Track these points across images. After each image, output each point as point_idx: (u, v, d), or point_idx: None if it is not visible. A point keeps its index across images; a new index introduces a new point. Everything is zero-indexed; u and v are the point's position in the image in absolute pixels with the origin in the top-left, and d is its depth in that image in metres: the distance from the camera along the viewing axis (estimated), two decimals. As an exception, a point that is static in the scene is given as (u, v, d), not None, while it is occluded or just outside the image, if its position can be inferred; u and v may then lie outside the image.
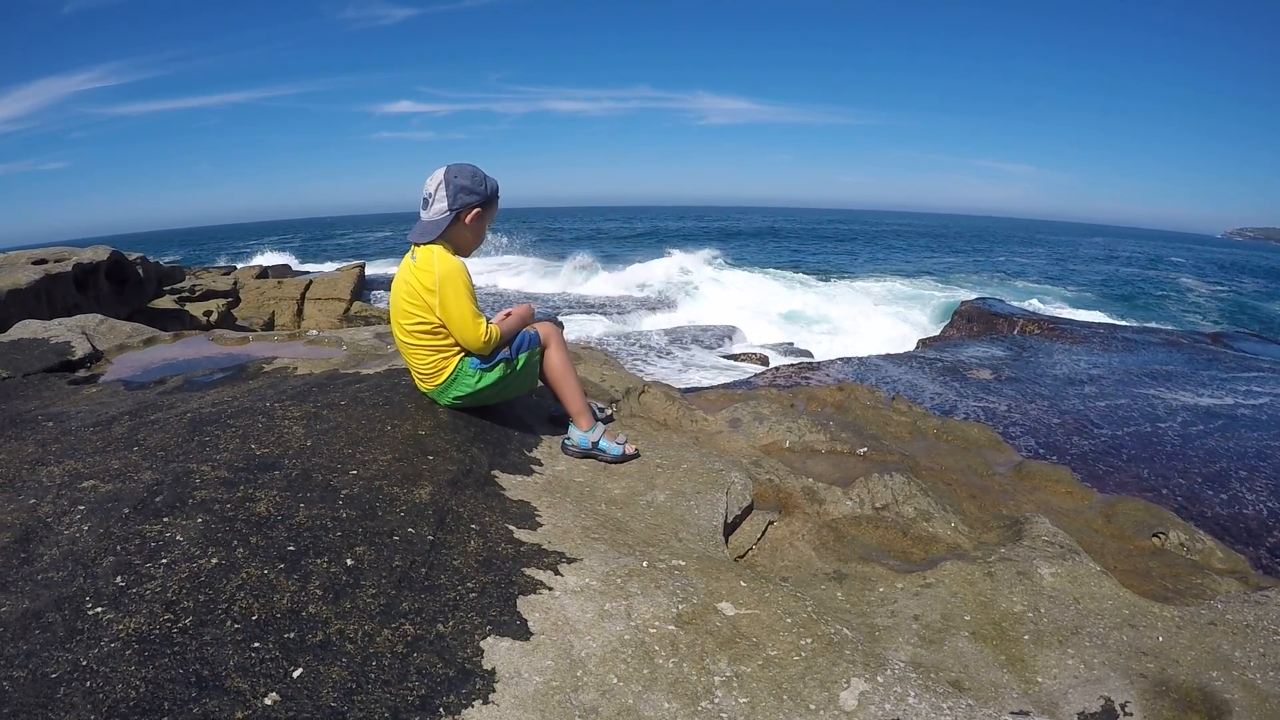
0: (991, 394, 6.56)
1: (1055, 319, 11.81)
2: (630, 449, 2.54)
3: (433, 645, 1.41)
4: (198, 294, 15.21)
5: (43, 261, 9.06)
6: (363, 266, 21.97)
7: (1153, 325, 14.74)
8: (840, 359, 8.56)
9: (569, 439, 2.50)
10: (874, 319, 18.30)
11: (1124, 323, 15.08)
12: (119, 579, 1.45)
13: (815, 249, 46.55)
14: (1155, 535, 2.88)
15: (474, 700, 1.29)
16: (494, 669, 1.37)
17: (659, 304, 21.12)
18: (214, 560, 1.53)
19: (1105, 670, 1.69)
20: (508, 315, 2.48)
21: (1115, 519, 3.04)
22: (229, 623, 1.37)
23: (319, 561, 1.58)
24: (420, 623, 1.46)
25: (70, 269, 9.06)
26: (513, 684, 1.34)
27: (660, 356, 13.78)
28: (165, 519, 1.67)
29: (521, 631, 1.48)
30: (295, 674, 1.28)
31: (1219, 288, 32.79)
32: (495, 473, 2.21)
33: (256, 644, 1.33)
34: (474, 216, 2.31)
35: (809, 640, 1.57)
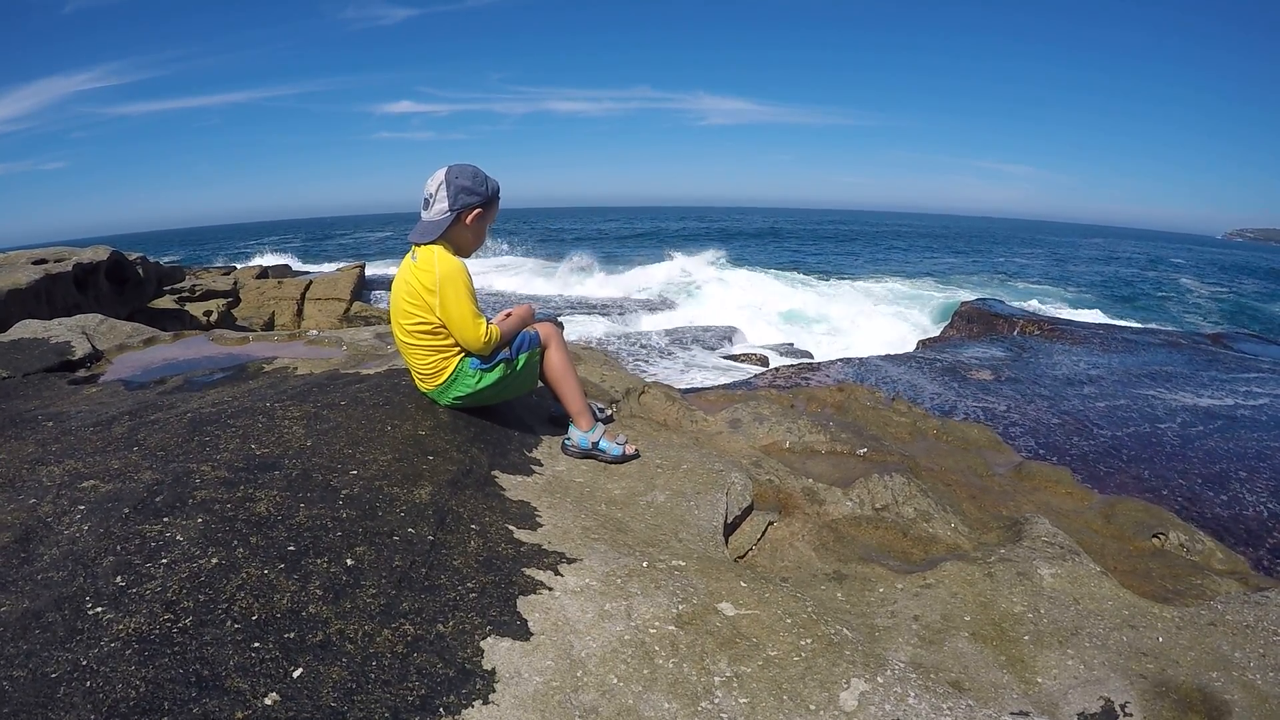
0: (991, 394, 6.56)
1: (1055, 320, 11.82)
2: (630, 449, 2.54)
3: (433, 645, 1.41)
4: (198, 294, 15.21)
5: (43, 261, 9.06)
6: (363, 267, 21.98)
7: (1153, 326, 14.74)
8: (840, 359, 8.56)
9: (569, 439, 2.51)
10: (874, 319, 18.30)
11: (1124, 323, 15.08)
12: (119, 579, 1.45)
13: (815, 249, 46.57)
14: (1155, 536, 2.88)
15: (474, 700, 1.29)
16: (494, 669, 1.37)
17: (659, 304, 21.12)
18: (214, 560, 1.53)
19: (1105, 671, 1.69)
20: (508, 316, 2.48)
21: (1115, 520, 3.04)
22: (229, 623, 1.37)
23: (319, 561, 1.58)
24: (420, 623, 1.46)
25: (70, 269, 9.06)
26: (513, 684, 1.34)
27: (660, 357, 13.78)
28: (165, 519, 1.67)
29: (521, 632, 1.48)
30: (295, 674, 1.28)
31: (1219, 288, 32.80)
32: (495, 473, 2.21)
33: (256, 644, 1.33)
34: (475, 217, 2.31)
35: (809, 641, 1.57)
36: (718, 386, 6.51)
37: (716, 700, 1.37)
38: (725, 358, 13.53)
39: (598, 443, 2.48)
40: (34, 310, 7.35)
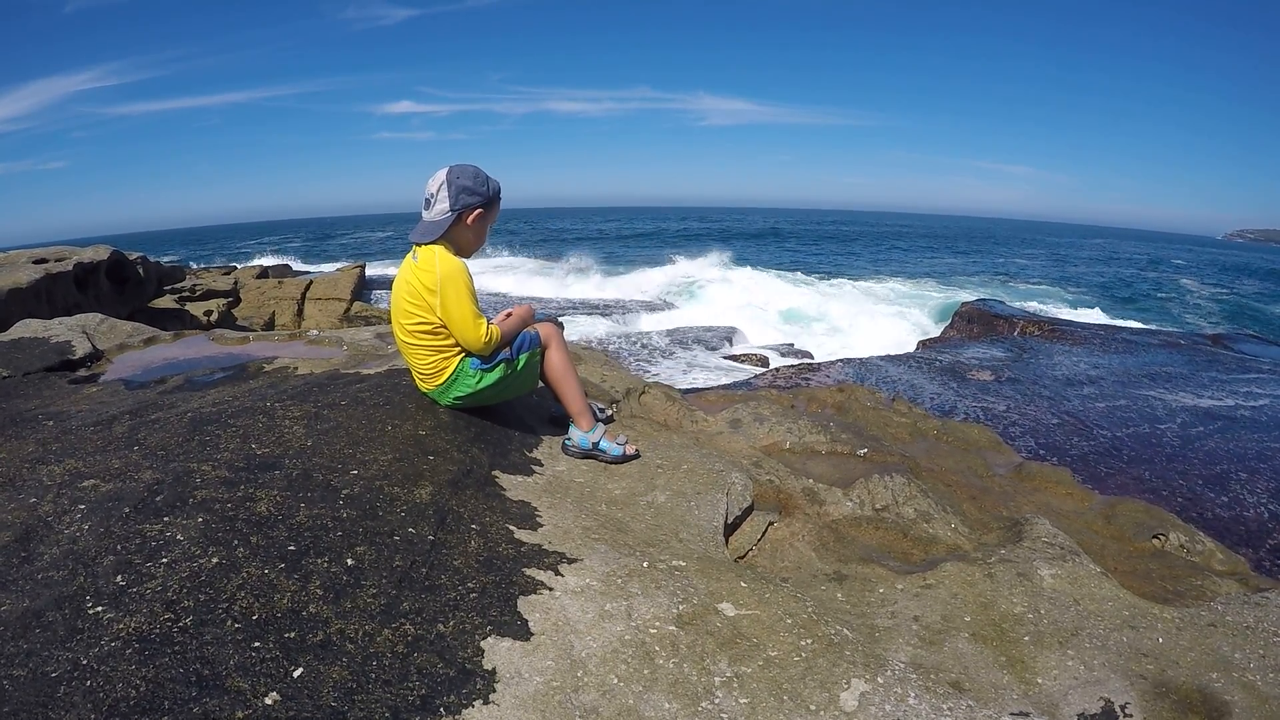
0: (992, 395, 6.56)
1: (1055, 320, 11.82)
2: (631, 449, 2.54)
3: (433, 645, 1.41)
4: (198, 294, 15.22)
5: (43, 261, 9.07)
6: (363, 267, 21.98)
7: (1153, 327, 14.74)
8: (841, 360, 8.57)
9: (569, 439, 2.51)
10: (874, 320, 18.31)
11: (1124, 324, 15.08)
12: (119, 578, 1.45)
13: (816, 250, 46.58)
14: (1155, 537, 2.87)
15: (474, 700, 1.29)
16: (494, 669, 1.37)
17: (660, 304, 21.13)
18: (214, 560, 1.53)
19: (1105, 671, 1.69)
20: (508, 316, 2.48)
21: (1115, 520, 3.04)
22: (229, 622, 1.37)
23: (319, 561, 1.58)
24: (421, 623, 1.46)
25: (71, 268, 9.06)
26: (513, 684, 1.34)
27: (661, 357, 13.78)
28: (166, 518, 1.67)
29: (522, 632, 1.48)
30: (296, 674, 1.28)
31: (1219, 289, 32.80)
32: (496, 473, 2.21)
33: (257, 643, 1.33)
34: (476, 217, 2.31)
35: (809, 641, 1.57)
36: (718, 387, 6.51)
37: (717, 700, 1.37)
38: (726, 358, 13.53)
39: (598, 443, 2.48)
40: (34, 309, 7.35)
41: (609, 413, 2.97)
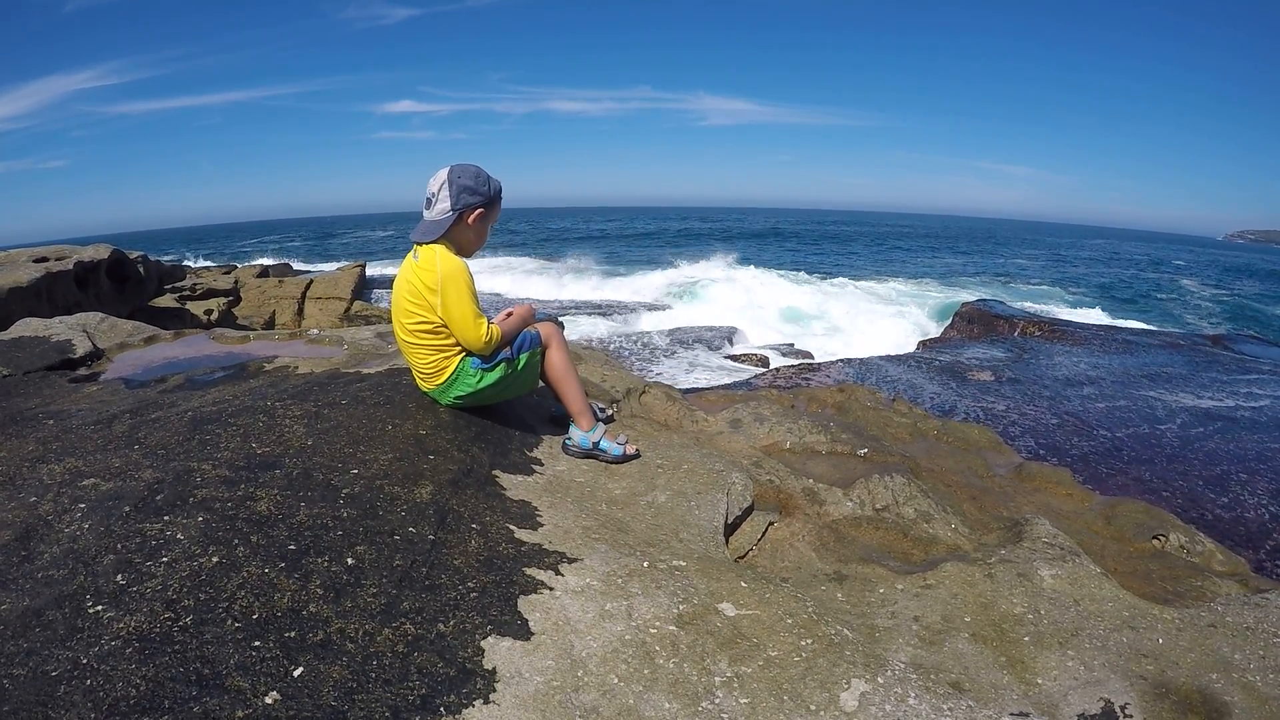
0: (992, 395, 6.56)
1: (1056, 320, 11.82)
2: (631, 449, 2.54)
3: (433, 645, 1.41)
4: (198, 293, 15.22)
5: (44, 259, 9.07)
6: (363, 266, 21.98)
7: (1153, 327, 14.74)
8: (841, 360, 8.57)
9: (570, 439, 2.51)
10: (875, 320, 18.30)
11: (1124, 324, 15.07)
12: (120, 577, 1.45)
13: (816, 250, 46.58)
14: (1155, 537, 2.87)
15: (475, 700, 1.29)
16: (495, 669, 1.37)
17: (661, 304, 21.12)
18: (215, 559, 1.53)
19: (1105, 672, 1.69)
20: (509, 315, 2.48)
21: (1115, 521, 3.04)
22: (230, 621, 1.37)
23: (320, 561, 1.58)
24: (421, 622, 1.46)
25: (71, 267, 9.06)
26: (513, 684, 1.34)
27: (661, 357, 13.78)
28: (166, 517, 1.67)
29: (522, 631, 1.48)
30: (296, 673, 1.28)
31: (1220, 290, 32.79)
32: (496, 472, 2.21)
33: (257, 643, 1.33)
34: (477, 217, 2.31)
35: (809, 641, 1.57)
36: (718, 387, 6.51)
37: (717, 700, 1.37)
38: (726, 358, 13.53)
39: (598, 442, 2.48)
40: (35, 308, 7.35)
41: (609, 412, 2.97)
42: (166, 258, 20.36)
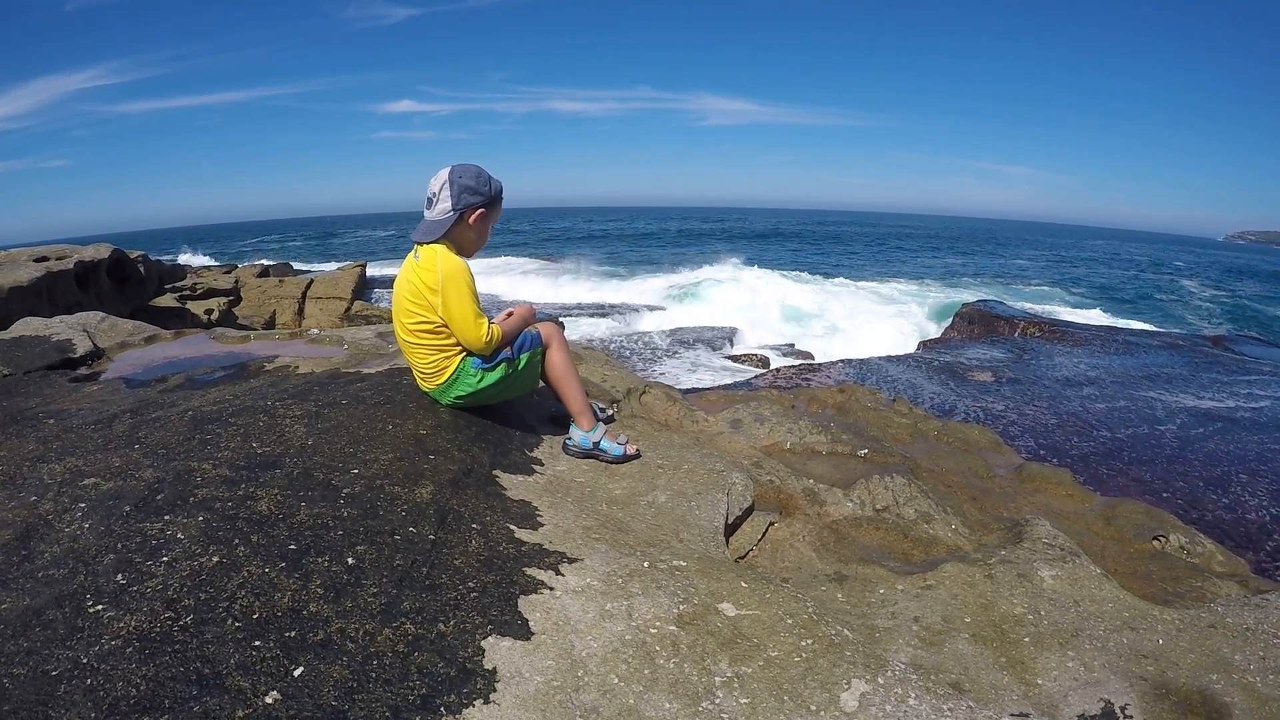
0: (992, 396, 6.56)
1: (1056, 321, 11.82)
2: (631, 449, 2.54)
3: (434, 645, 1.41)
4: (199, 292, 15.23)
5: (44, 259, 9.07)
6: (364, 266, 21.98)
7: (1154, 328, 14.74)
8: (841, 360, 8.57)
9: (570, 439, 2.51)
10: (875, 320, 18.29)
11: (1125, 325, 15.08)
12: (120, 577, 1.45)
13: (817, 250, 46.59)
14: (1156, 538, 2.87)
15: (475, 700, 1.29)
16: (495, 668, 1.37)
17: (661, 305, 21.11)
18: (215, 558, 1.53)
19: (1105, 672, 1.69)
20: (509, 315, 2.48)
21: (1116, 521, 3.04)
22: (230, 621, 1.37)
23: (320, 560, 1.58)
24: (421, 622, 1.46)
25: (72, 266, 9.07)
26: (514, 684, 1.34)
27: (662, 357, 13.79)
28: (166, 517, 1.67)
29: (523, 631, 1.48)
30: (296, 673, 1.28)
31: (1220, 291, 32.79)
32: (496, 472, 2.21)
33: (257, 642, 1.33)
34: (478, 217, 2.31)
35: (810, 641, 1.57)
36: (719, 387, 6.51)
37: (717, 700, 1.37)
38: (727, 358, 13.53)
39: (599, 443, 2.48)
40: (35, 308, 7.36)
41: (610, 412, 2.97)
42: (166, 257, 20.37)
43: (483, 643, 1.43)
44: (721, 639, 1.54)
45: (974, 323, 12.17)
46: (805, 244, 51.63)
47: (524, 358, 2.41)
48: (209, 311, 13.77)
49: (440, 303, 2.23)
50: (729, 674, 1.45)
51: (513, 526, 1.89)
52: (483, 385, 2.37)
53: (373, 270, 23.20)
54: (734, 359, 13.43)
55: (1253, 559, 3.50)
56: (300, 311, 17.02)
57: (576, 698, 1.33)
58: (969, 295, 21.11)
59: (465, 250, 2.36)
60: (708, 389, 5.49)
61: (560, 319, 2.75)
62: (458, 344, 2.33)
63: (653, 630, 1.54)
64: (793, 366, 8.81)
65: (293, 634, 1.36)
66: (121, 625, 1.32)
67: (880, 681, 1.48)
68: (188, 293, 14.89)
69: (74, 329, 3.77)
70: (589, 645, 1.47)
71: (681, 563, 1.84)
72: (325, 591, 1.49)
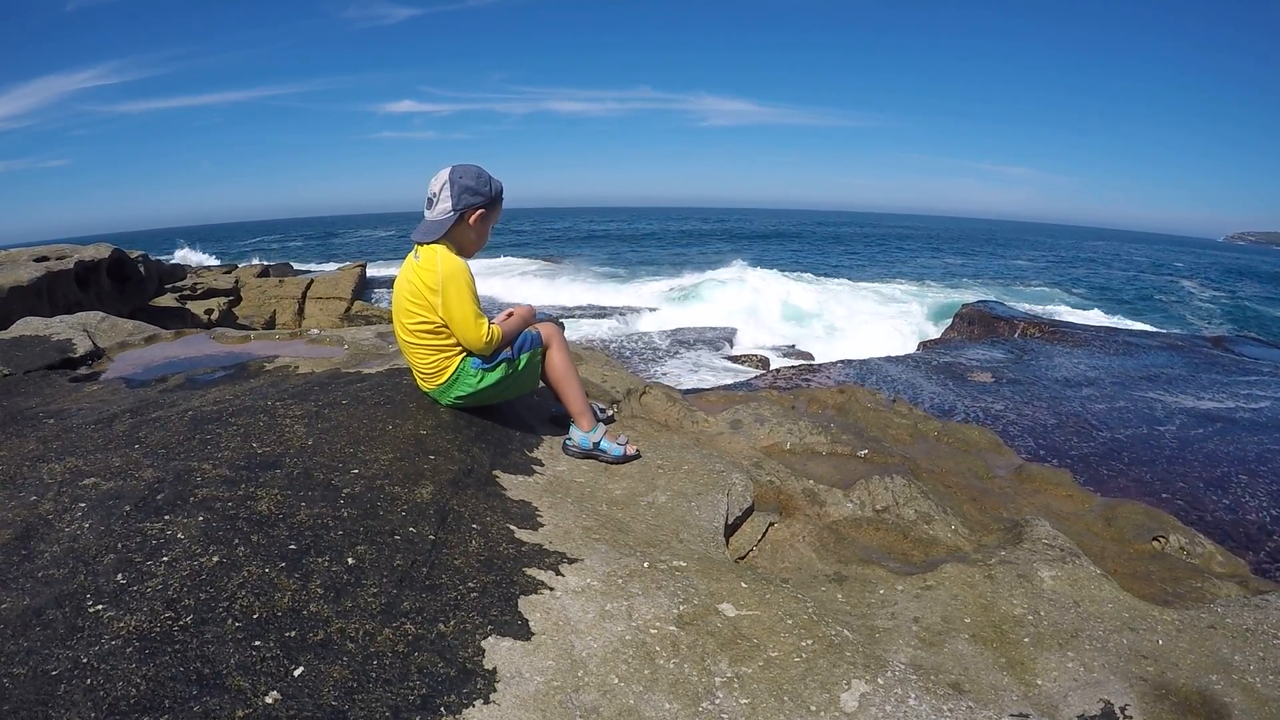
0: (992, 396, 6.56)
1: (1056, 322, 11.82)
2: (631, 450, 2.54)
3: (434, 645, 1.41)
4: (199, 292, 15.23)
5: (44, 259, 9.08)
6: (364, 266, 21.99)
7: (1153, 329, 14.74)
8: (841, 361, 8.57)
9: (570, 439, 2.51)
10: (875, 321, 18.29)
11: (1125, 326, 15.08)
12: (120, 576, 1.45)
13: (817, 250, 46.61)
14: (1155, 539, 2.87)
15: (475, 700, 1.29)
16: (495, 669, 1.37)
17: (662, 305, 21.12)
18: (215, 558, 1.53)
19: (1105, 673, 1.69)
20: (509, 315, 2.48)
21: (1115, 522, 3.04)
22: (230, 621, 1.37)
23: (320, 560, 1.58)
24: (421, 622, 1.46)
25: (72, 266, 9.08)
26: (514, 684, 1.34)
27: (662, 357, 13.79)
28: (166, 517, 1.67)
29: (523, 631, 1.48)
30: (296, 673, 1.28)
31: (1220, 292, 32.80)
32: (496, 473, 2.21)
33: (257, 642, 1.33)
34: (478, 217, 2.31)
35: (810, 642, 1.57)
36: (719, 387, 6.51)
37: (717, 701, 1.37)
38: (727, 359, 13.54)
39: (599, 443, 2.49)
40: (36, 307, 7.36)
41: (610, 413, 2.97)
42: (164, 256, 20.37)
43: (483, 643, 1.43)
44: (721, 639, 1.54)
45: (974, 323, 12.17)
46: (805, 244, 51.66)
47: (524, 358, 2.42)
48: (209, 311, 13.78)
49: (440, 303, 2.23)
50: (729, 674, 1.45)
51: (513, 527, 1.89)
52: (483, 385, 2.38)
53: (373, 270, 23.20)
54: (734, 359, 13.43)
55: (1252, 560, 3.51)
56: (300, 311, 17.03)
57: (576, 698, 1.33)
58: (969, 296, 21.11)
59: (465, 251, 2.36)
60: (708, 389, 5.49)
61: (560, 319, 2.74)
62: (458, 344, 2.33)
63: (653, 630, 1.54)
64: (793, 367, 8.82)
65: (293, 634, 1.36)
66: (121, 625, 1.32)
67: (880, 682, 1.48)
68: (188, 293, 14.90)
69: (74, 329, 3.77)
70: (589, 645, 1.47)
71: (681, 563, 1.84)
72: (325, 591, 1.49)
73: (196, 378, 3.02)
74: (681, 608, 1.63)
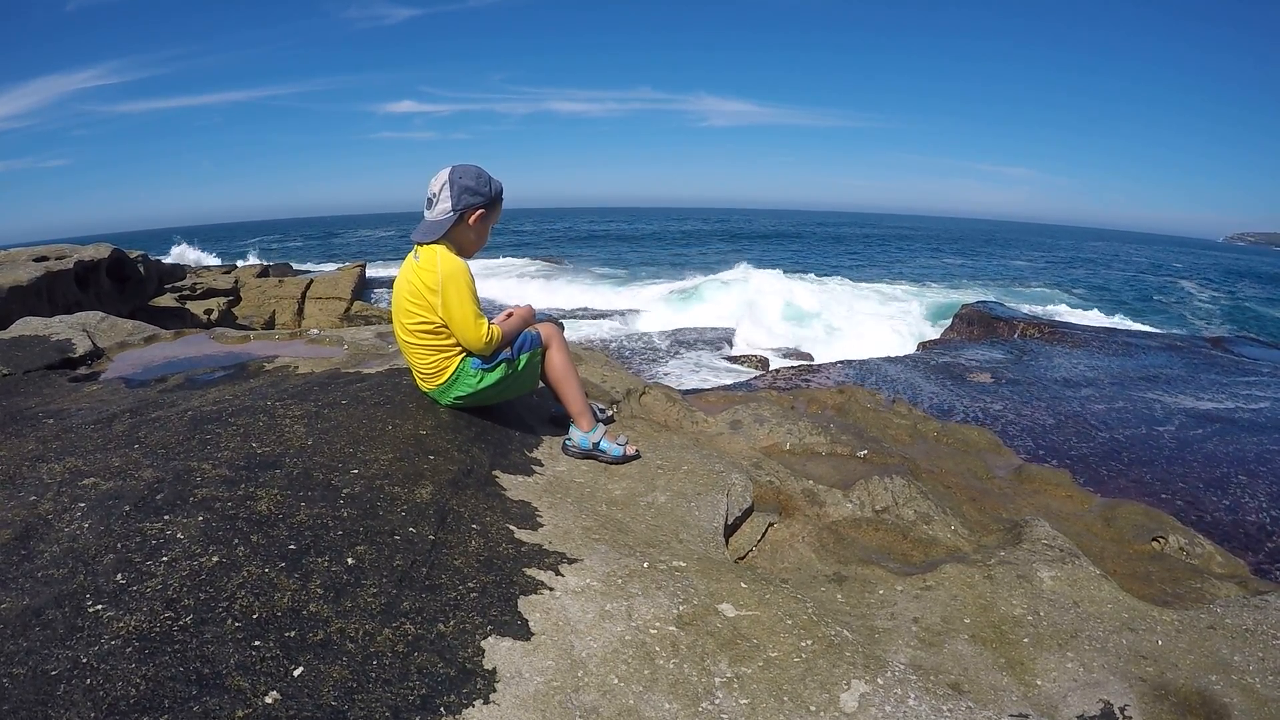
0: (991, 397, 6.56)
1: (1055, 322, 11.83)
2: (631, 450, 2.54)
3: (433, 645, 1.41)
4: (198, 292, 15.23)
5: (44, 259, 9.07)
6: (363, 266, 22.00)
7: (1152, 329, 14.75)
8: (841, 361, 8.57)
9: (570, 440, 2.51)
10: (874, 321, 18.30)
11: (1124, 326, 15.08)
12: (119, 576, 1.45)
13: (817, 251, 46.64)
14: (1155, 539, 2.87)
15: (475, 700, 1.29)
16: (495, 669, 1.37)
17: (662, 306, 21.12)
18: (215, 558, 1.53)
19: (1104, 673, 1.69)
20: (509, 316, 2.48)
21: (1115, 523, 3.04)
22: (230, 621, 1.37)
23: (320, 560, 1.58)
24: (421, 622, 1.46)
25: (72, 266, 9.07)
26: (513, 684, 1.34)
27: (662, 358, 13.80)
28: (166, 517, 1.67)
29: (522, 631, 1.48)
30: (296, 673, 1.28)
31: (1219, 292, 32.82)
32: (496, 473, 2.21)
33: (257, 642, 1.33)
34: (478, 218, 2.31)
35: (809, 642, 1.57)
36: (718, 387, 6.52)
37: (717, 701, 1.37)
38: (726, 359, 13.54)
39: (598, 443, 2.49)
40: (35, 307, 7.36)
41: (609, 413, 2.97)
42: (163, 255, 20.36)
43: (482, 643, 1.43)
44: (721, 639, 1.54)
45: (973, 324, 12.17)
46: (805, 244, 51.69)
47: (524, 358, 2.42)
48: (209, 311, 13.78)
49: (440, 303, 2.23)
50: (729, 674, 1.45)
51: (512, 527, 1.89)
52: (483, 386, 2.38)
53: (373, 270, 23.21)
54: (734, 360, 13.44)
55: (1252, 560, 3.51)
56: (300, 311, 17.03)
57: (576, 698, 1.33)
58: (968, 296, 21.12)
59: (465, 251, 2.36)
60: (707, 390, 5.49)
61: (560, 320, 2.74)
62: (457, 344, 2.33)
63: (652, 631, 1.54)
64: (792, 367, 8.82)
65: (292, 634, 1.36)
66: (121, 625, 1.32)
67: (880, 682, 1.48)
68: (187, 293, 14.90)
69: (74, 329, 3.77)
70: (589, 645, 1.47)
71: (681, 563, 1.84)
72: (325, 591, 1.49)
73: (196, 378, 3.02)
74: (681, 608, 1.63)
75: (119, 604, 1.37)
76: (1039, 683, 1.66)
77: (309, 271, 24.17)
